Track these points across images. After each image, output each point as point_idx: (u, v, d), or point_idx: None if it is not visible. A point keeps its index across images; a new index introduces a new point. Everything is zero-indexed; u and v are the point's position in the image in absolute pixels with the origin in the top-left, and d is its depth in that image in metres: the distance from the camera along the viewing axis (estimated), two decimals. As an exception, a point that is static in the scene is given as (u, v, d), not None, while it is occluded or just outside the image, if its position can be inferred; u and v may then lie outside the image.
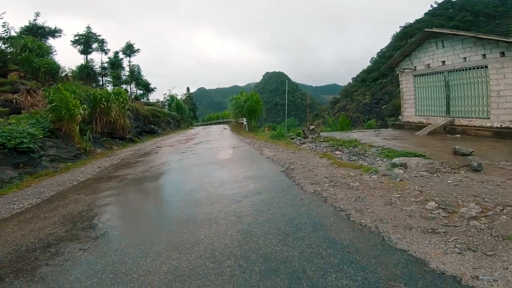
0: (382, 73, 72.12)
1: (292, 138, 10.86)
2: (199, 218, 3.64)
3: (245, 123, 16.92)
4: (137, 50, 30.11)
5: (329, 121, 15.57)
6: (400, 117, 13.98)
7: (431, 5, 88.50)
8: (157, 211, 4.13)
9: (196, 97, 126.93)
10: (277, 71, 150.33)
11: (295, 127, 35.79)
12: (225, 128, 23.24)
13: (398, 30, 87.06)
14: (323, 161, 6.42)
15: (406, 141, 9.12)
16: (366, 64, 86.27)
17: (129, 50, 29.63)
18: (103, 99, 14.17)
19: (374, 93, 69.02)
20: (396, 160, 5.97)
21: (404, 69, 13.15)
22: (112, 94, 15.33)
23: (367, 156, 7.19)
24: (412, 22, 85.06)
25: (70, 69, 28.06)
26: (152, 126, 21.01)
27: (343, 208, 3.65)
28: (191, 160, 7.96)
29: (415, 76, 12.67)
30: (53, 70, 18.36)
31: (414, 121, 12.59)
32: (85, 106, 12.78)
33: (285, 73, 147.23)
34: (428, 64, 11.86)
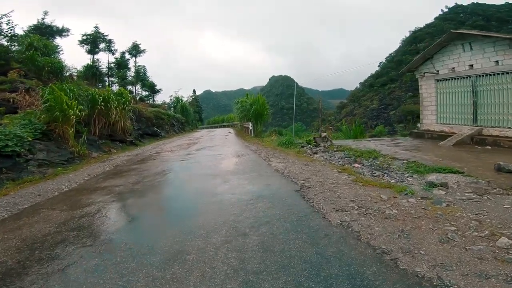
0: (391, 78, 70.85)
1: (303, 146, 9.89)
2: (189, 258, 2.71)
3: (250, 127, 16.00)
4: (143, 51, 29.55)
5: (342, 128, 14.52)
6: (418, 125, 12.89)
7: (442, 10, 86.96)
8: (137, 242, 3.18)
9: (202, 100, 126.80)
10: (283, 74, 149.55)
11: (302, 132, 34.76)
12: (229, 132, 22.36)
13: (407, 34, 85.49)
14: (343, 177, 5.44)
15: (431, 152, 8.08)
16: (374, 68, 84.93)
17: (135, 50, 29.08)
18: (102, 99, 13.42)
19: (382, 98, 67.64)
20: (433, 178, 4.95)
21: (424, 73, 12.09)
22: (112, 95, 14.57)
23: (392, 171, 6.18)
24: (422, 26, 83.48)
25: (75, 68, 27.73)
26: (155, 128, 20.24)
27: (385, 249, 2.69)
28: (190, 170, 7.05)
29: (437, 81, 11.60)
30: (57, 69, 17.88)
31: (435, 130, 11.50)
32: (82, 107, 12.03)
33: (291, 76, 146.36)
34: (453, 68, 10.79)
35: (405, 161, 7.00)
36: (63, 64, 19.10)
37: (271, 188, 4.92)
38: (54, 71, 17.44)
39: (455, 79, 10.84)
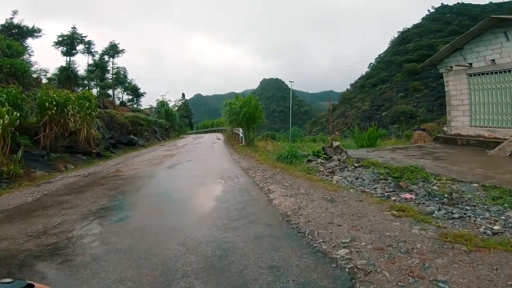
0: (382, 79, 69.62)
1: (310, 161, 7.31)
2: None
3: (241, 134, 13.37)
4: (122, 51, 26.56)
5: (354, 133, 11.91)
6: (445, 128, 10.53)
7: (428, 10, 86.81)
8: None
9: (192, 104, 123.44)
10: (274, 77, 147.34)
11: (300, 137, 32.08)
12: (218, 139, 19.63)
13: (395, 35, 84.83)
14: (415, 231, 2.86)
15: (492, 167, 5.65)
16: (364, 70, 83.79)
17: (113, 50, 26.07)
18: (56, 104, 10.57)
19: (373, 99, 66.24)
20: None
21: (451, 66, 9.77)
22: (72, 98, 11.72)
23: (473, 205, 3.71)
24: (409, 27, 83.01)
25: (44, 71, 24.59)
26: (131, 136, 17.34)
27: None
28: (140, 213, 4.32)
29: (470, 76, 9.27)
30: (19, 71, 15.00)
31: (470, 134, 9.14)
32: (22, 113, 9.22)
33: (282, 79, 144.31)
34: (493, 60, 8.46)
35: (476, 184, 4.53)
36: (27, 65, 16.29)
37: (288, 275, 2.28)
38: (14, 73, 14.63)
39: (495, 73, 8.52)
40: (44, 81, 24.36)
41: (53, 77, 26.49)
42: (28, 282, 0.52)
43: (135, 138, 17.55)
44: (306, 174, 5.90)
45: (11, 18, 26.08)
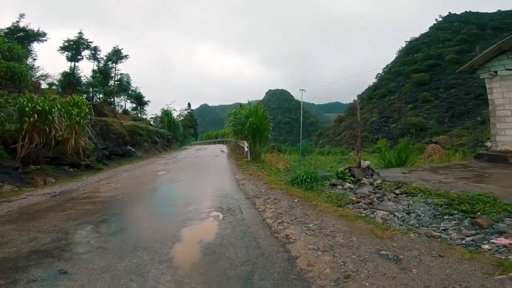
0: (390, 90, 67.98)
1: (334, 185, 5.71)
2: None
3: (246, 148, 11.76)
4: (125, 56, 25.63)
5: (380, 148, 10.05)
6: (488, 144, 8.85)
7: (436, 19, 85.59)
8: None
9: (198, 114, 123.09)
10: (280, 88, 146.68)
11: (310, 152, 30.29)
12: (222, 151, 18.13)
13: (403, 45, 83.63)
14: None
15: None
16: (371, 80, 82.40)
17: (116, 56, 25.12)
18: (37, 110, 9.27)
19: (382, 110, 64.47)
20: None
21: (495, 71, 8.19)
22: (58, 104, 10.41)
23: None
24: (417, 36, 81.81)
25: (45, 76, 23.69)
26: (128, 147, 15.97)
27: None
28: (82, 273, 2.78)
29: (522, 80, 7.70)
30: (16, 75, 14.01)
31: (524, 151, 7.48)
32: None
33: (287, 90, 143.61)
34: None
35: None
36: (24, 69, 15.28)
37: None
38: (10, 76, 13.56)
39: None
40: (44, 86, 23.54)
41: (55, 82, 25.65)
42: None
43: (132, 149, 16.16)
44: (336, 206, 4.27)
45: (18, 22, 25.51)
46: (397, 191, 5.05)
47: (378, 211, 4.03)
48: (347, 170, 6.29)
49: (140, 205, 5.28)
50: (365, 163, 6.19)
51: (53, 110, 10.10)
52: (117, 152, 14.86)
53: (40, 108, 9.46)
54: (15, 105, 9.51)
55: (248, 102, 11.73)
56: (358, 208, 4.32)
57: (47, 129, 9.73)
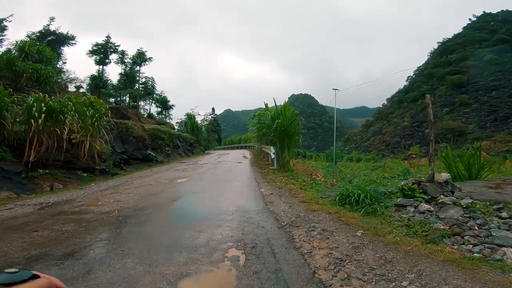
0: (422, 93, 63.20)
1: (403, 206, 4.02)
2: None
3: (272, 155, 10.00)
4: (149, 59, 25.30)
5: (447, 156, 7.80)
6: None
7: (470, 19, 79.31)
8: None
9: (222, 119, 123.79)
10: (303, 93, 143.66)
11: (339, 158, 27.90)
12: (244, 157, 16.74)
13: (435, 46, 78.17)
14: None
15: None
16: (401, 83, 77.66)
17: (140, 58, 24.87)
18: (46, 110, 8.47)
19: (414, 115, 60.04)
20: None
21: None
22: (69, 104, 9.62)
23: None
24: (450, 37, 76.12)
25: (72, 79, 23.96)
26: (148, 151, 15.09)
27: None
28: None
29: None
30: (41, 76, 13.87)
31: None
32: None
33: (311, 95, 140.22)
34: None
35: None
36: (50, 71, 15.14)
37: None
38: (37, 78, 13.57)
39: None
40: (72, 89, 23.80)
41: (82, 85, 25.97)
42: (34, 272, 0.49)
43: (152, 153, 15.27)
44: (427, 243, 2.61)
45: (48, 25, 26.15)
46: (503, 214, 3.28)
47: (502, 248, 2.32)
48: (415, 184, 4.54)
49: (133, 228, 3.92)
50: (441, 176, 4.40)
51: (64, 110, 9.34)
52: (136, 157, 14.02)
53: (49, 107, 8.66)
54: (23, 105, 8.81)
55: (275, 102, 10.24)
56: (464, 244, 2.63)
57: (58, 130, 8.94)
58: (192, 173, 9.73)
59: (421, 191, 4.37)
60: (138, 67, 26.00)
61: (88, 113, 10.25)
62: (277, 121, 9.16)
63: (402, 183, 5.14)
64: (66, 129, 9.05)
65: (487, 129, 47.65)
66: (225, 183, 7.23)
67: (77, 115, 9.88)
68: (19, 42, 16.79)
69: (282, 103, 10.19)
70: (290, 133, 9.29)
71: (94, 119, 10.47)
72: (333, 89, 12.19)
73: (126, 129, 14.48)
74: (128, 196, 5.96)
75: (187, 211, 4.72)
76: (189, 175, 9.21)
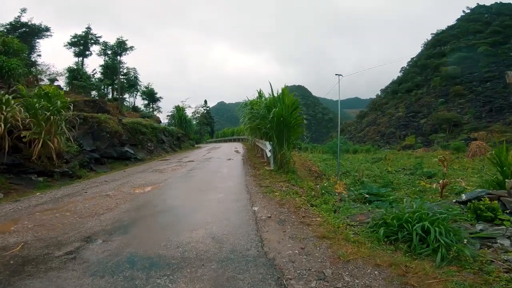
0: (417, 84, 61.96)
1: (490, 238, 2.22)
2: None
3: (268, 153, 7.94)
4: (131, 48, 22.88)
5: (500, 154, 5.93)
6: None
7: (463, 11, 77.91)
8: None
9: (216, 111, 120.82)
10: (296, 84, 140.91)
11: (345, 151, 26.04)
12: (236, 151, 14.84)
13: (429, 38, 76.69)
14: None
15: None
16: (395, 74, 76.14)
17: (120, 48, 22.44)
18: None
19: (409, 105, 58.77)
20: None
21: None
22: (6, 97, 7.48)
23: None
24: (444, 28, 74.68)
25: (42, 71, 21.48)
26: (126, 148, 12.99)
27: None
28: None
29: None
30: (3, 69, 11.86)
31: None
32: None
33: (305, 86, 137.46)
34: None
35: None
36: (13, 63, 13.11)
37: None
38: None
39: None
40: (46, 83, 21.37)
41: (58, 78, 23.63)
42: None
43: (130, 150, 13.18)
44: None
45: (19, 17, 23.59)
46: None
47: None
48: (494, 201, 2.71)
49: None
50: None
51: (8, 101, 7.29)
52: (110, 155, 11.95)
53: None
54: None
55: (271, 87, 8.12)
56: None
57: (-2, 128, 6.92)
58: (169, 176, 7.77)
59: (501, 208, 2.55)
60: (119, 57, 23.55)
61: (37, 106, 8.15)
62: (274, 110, 7.18)
63: (464, 196, 3.33)
64: (2, 125, 6.98)
65: (483, 120, 46.71)
66: (206, 194, 5.30)
67: (23, 109, 7.83)
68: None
69: (280, 90, 8.16)
70: (290, 125, 7.34)
71: (49, 113, 8.35)
72: (336, 74, 10.33)
73: (98, 123, 12.31)
74: (60, 218, 4.02)
75: (133, 253, 2.81)
76: (165, 179, 7.24)
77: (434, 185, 6.75)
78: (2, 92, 8.03)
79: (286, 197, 4.60)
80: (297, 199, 4.45)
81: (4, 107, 7.31)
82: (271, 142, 7.59)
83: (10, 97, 7.62)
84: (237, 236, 3.13)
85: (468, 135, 40.63)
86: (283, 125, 7.24)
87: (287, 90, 7.77)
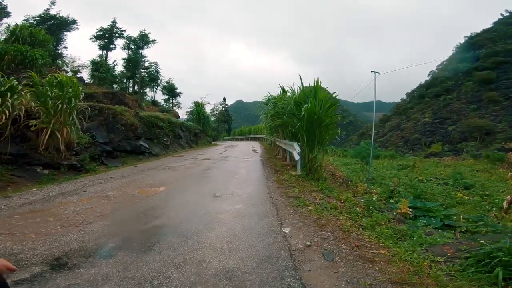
0: (446, 88, 58.06)
1: None
2: None
3: (296, 155, 6.57)
4: (153, 41, 22.42)
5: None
6: None
7: (501, 14, 72.12)
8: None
9: (233, 110, 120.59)
10: (314, 85, 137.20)
11: (375, 157, 24.39)
12: (254, 151, 13.83)
13: (462, 41, 71.88)
14: None
15: None
16: (422, 78, 72.08)
17: (143, 41, 22.07)
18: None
19: (436, 111, 55.19)
20: None
21: None
22: (13, 84, 6.88)
23: None
24: (479, 31, 69.59)
25: (66, 62, 21.52)
26: (140, 142, 12.33)
27: None
28: None
29: None
30: (26, 58, 11.85)
31: None
32: None
33: (323, 86, 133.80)
34: None
35: None
36: (37, 53, 13.00)
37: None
38: (21, 61, 11.84)
39: None
40: (70, 74, 21.47)
41: (81, 70, 23.84)
42: None
43: (145, 144, 12.51)
44: None
45: (48, 9, 23.88)
46: None
47: None
48: None
49: None
50: None
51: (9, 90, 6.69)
52: (123, 148, 11.30)
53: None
54: None
55: (301, 80, 6.95)
56: None
57: (4, 116, 6.37)
58: (182, 175, 6.87)
59: None
60: (141, 51, 23.26)
61: (50, 94, 7.53)
62: (305, 105, 6.02)
63: None
64: (7, 113, 6.36)
65: (519, 129, 42.78)
66: (221, 203, 4.29)
67: (28, 96, 7.21)
68: (11, 26, 15.28)
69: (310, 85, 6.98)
70: (324, 124, 6.15)
71: (59, 102, 7.71)
72: (372, 71, 9.04)
73: (114, 115, 11.70)
74: (38, 225, 3.15)
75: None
76: (175, 179, 6.34)
77: (504, 204, 5.38)
78: (12, 78, 7.50)
79: (324, 214, 3.49)
80: (340, 217, 3.33)
81: (9, 94, 6.69)
82: (299, 143, 6.41)
83: (16, 83, 7.00)
84: (265, 278, 2.08)
85: (502, 144, 37.22)
86: (316, 124, 6.05)
87: (320, 82, 6.59)
